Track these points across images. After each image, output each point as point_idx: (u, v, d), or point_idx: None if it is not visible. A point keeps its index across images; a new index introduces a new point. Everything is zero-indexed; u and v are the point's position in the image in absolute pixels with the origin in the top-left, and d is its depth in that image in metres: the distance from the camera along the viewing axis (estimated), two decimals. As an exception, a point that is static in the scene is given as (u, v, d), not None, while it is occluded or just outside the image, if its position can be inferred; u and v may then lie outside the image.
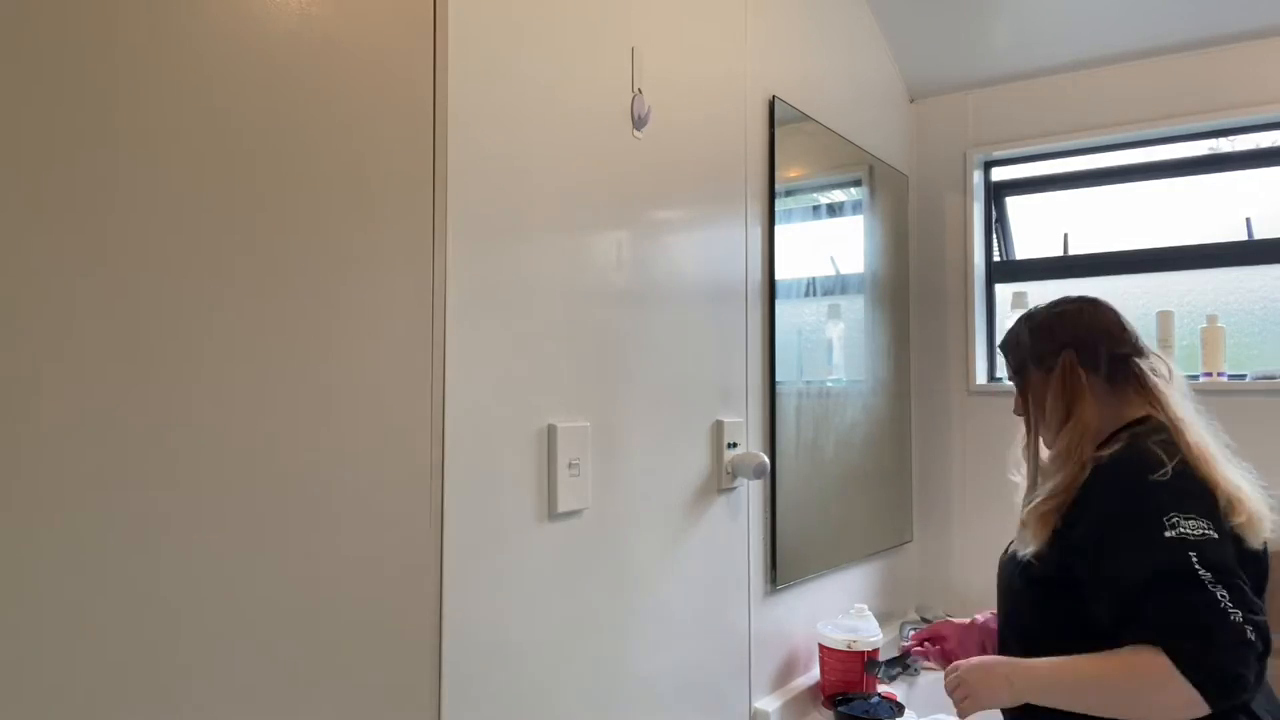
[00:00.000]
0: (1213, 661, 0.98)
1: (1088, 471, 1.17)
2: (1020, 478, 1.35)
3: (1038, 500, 1.21)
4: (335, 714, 0.86)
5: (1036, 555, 1.19)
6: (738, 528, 1.54)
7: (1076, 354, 1.23)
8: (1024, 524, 1.24)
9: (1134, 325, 1.25)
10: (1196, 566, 1.01)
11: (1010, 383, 1.35)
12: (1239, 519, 1.08)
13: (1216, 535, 1.05)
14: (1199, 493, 1.09)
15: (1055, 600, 1.18)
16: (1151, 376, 1.20)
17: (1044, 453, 1.31)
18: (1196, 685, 0.98)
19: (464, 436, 1.01)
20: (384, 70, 0.93)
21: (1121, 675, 1.04)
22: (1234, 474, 1.12)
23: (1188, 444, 1.12)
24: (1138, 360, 1.22)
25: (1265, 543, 1.12)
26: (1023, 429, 1.34)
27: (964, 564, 2.27)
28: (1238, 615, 0.99)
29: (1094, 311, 1.26)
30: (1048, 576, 1.18)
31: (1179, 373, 1.25)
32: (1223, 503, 1.08)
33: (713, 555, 1.47)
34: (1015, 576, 1.26)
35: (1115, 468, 1.14)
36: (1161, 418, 1.17)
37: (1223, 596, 1.00)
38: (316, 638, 0.85)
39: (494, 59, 1.06)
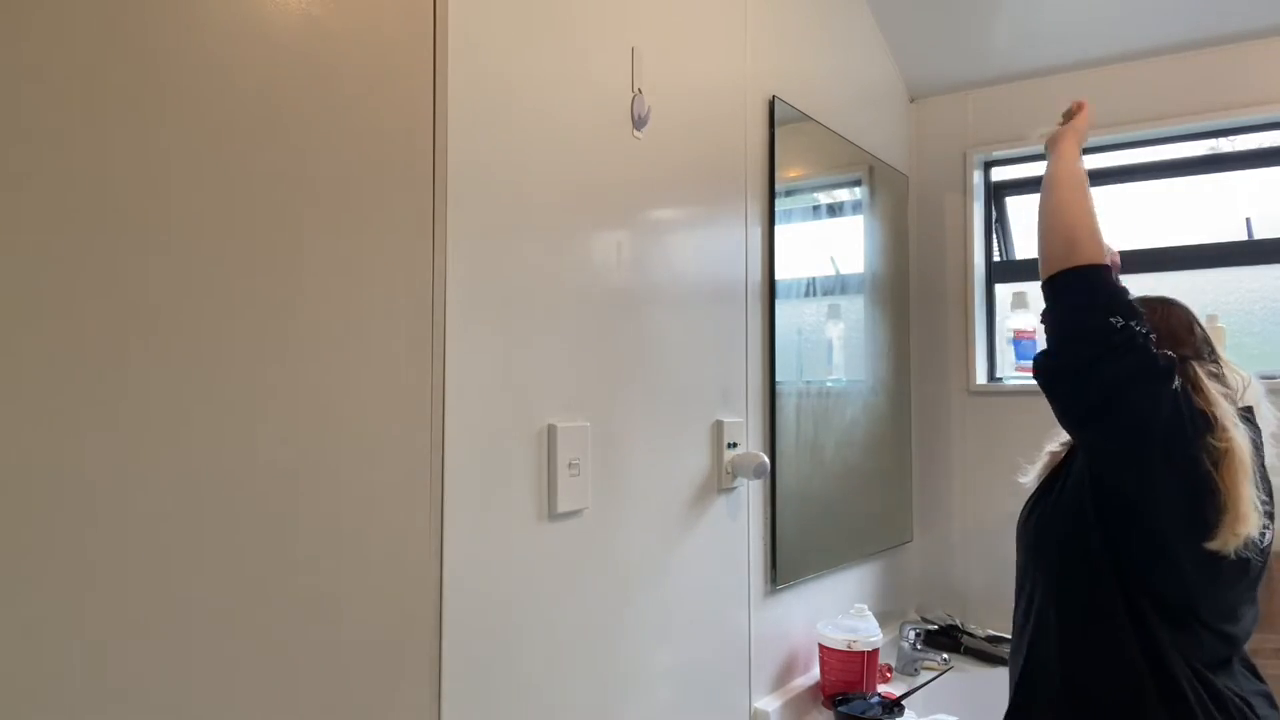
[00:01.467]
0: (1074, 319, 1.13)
1: None
2: (1031, 478, 1.34)
3: (1055, 445, 1.27)
4: (335, 714, 0.86)
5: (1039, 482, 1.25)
6: (738, 528, 1.54)
7: None
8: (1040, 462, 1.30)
9: (1205, 332, 1.24)
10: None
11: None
12: (1237, 528, 1.07)
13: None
14: (1199, 413, 1.10)
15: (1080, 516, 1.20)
16: (1206, 381, 1.16)
17: None
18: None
19: (464, 437, 1.01)
20: (384, 68, 0.93)
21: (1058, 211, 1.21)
22: (1254, 492, 1.09)
23: (1221, 440, 1.10)
24: (1195, 364, 1.18)
25: (1237, 551, 1.09)
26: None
27: (964, 564, 2.27)
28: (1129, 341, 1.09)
29: (1165, 311, 1.25)
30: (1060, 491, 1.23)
31: (1256, 390, 1.21)
32: (1231, 512, 1.07)
33: (713, 555, 1.47)
34: (1035, 518, 1.28)
35: None
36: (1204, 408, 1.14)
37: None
38: (316, 637, 0.85)
39: (494, 59, 1.06)
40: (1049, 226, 1.21)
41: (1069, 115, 1.38)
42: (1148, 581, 1.13)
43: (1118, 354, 1.10)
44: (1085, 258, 1.16)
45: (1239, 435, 1.10)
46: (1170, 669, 1.10)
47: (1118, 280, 1.17)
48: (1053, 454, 1.32)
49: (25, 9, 0.66)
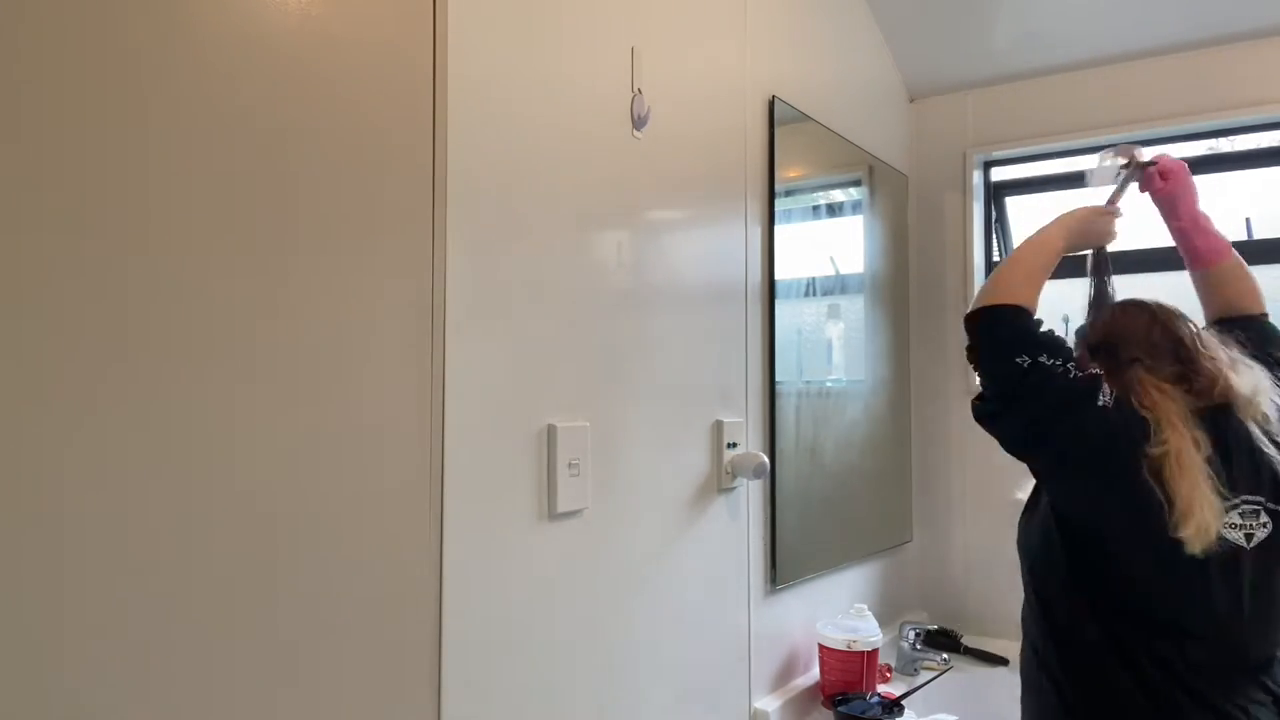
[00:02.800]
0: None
1: None
2: (1025, 492, 1.33)
3: None
4: (335, 714, 0.86)
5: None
6: (737, 528, 1.54)
7: (1088, 349, 1.25)
8: None
9: (1179, 331, 1.19)
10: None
11: None
12: (1187, 530, 1.04)
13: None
14: (1136, 421, 1.10)
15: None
16: (1148, 384, 1.13)
17: None
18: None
19: (464, 437, 1.01)
20: (383, 69, 0.93)
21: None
22: (1206, 487, 1.06)
23: (1158, 445, 1.08)
24: (1140, 367, 1.16)
25: (1207, 552, 1.06)
26: None
27: (964, 564, 2.27)
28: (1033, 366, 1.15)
29: (1123, 312, 1.26)
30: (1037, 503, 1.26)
31: (1248, 384, 1.15)
32: (1178, 513, 1.05)
33: (712, 555, 1.47)
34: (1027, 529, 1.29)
35: None
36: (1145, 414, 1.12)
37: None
38: (316, 638, 0.85)
39: (494, 59, 1.06)
40: (992, 274, 1.28)
41: (1131, 162, 1.39)
42: (1116, 599, 1.13)
43: (1035, 393, 1.15)
44: (998, 298, 1.22)
45: (1176, 436, 1.08)
46: (1145, 679, 1.09)
47: (1030, 318, 1.22)
48: None
49: (23, 13, 0.66)
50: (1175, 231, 1.39)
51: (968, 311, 1.26)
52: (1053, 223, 1.34)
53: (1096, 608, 1.14)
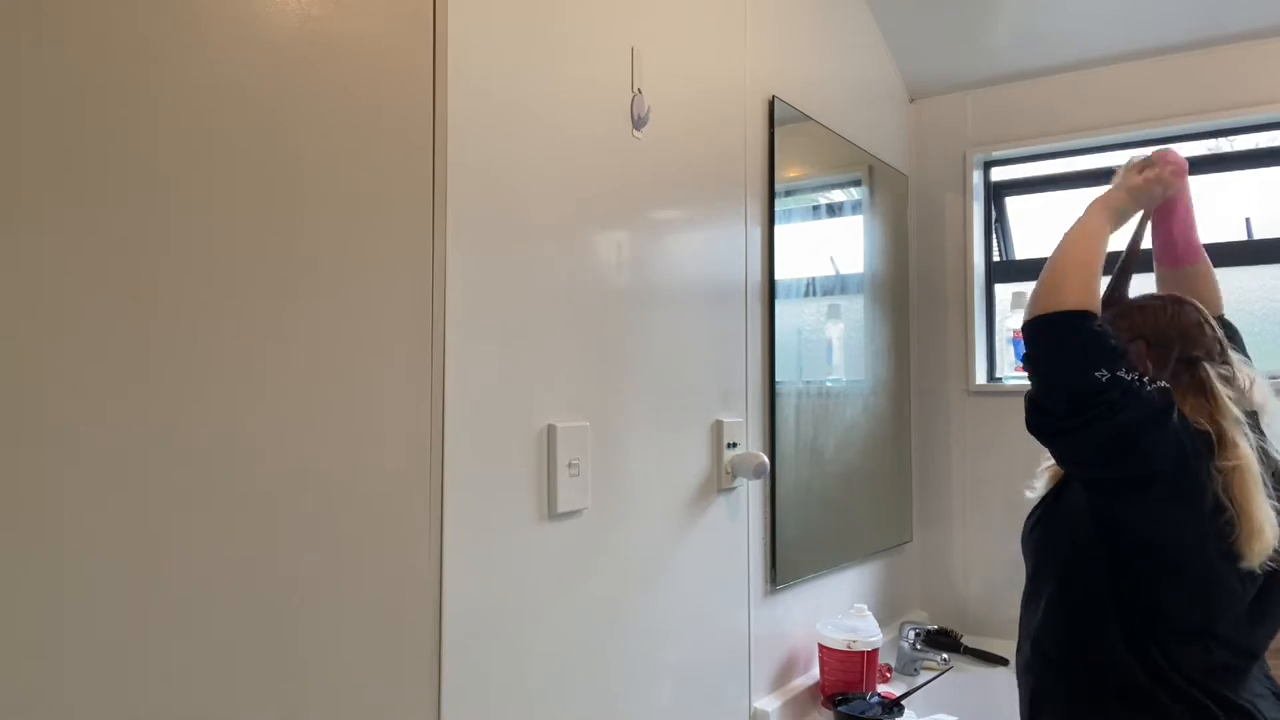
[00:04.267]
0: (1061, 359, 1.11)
1: None
2: (1035, 491, 1.32)
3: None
4: (335, 714, 0.86)
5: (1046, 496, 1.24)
6: (737, 528, 1.54)
7: (1148, 345, 1.18)
8: (1043, 472, 1.29)
9: (1218, 331, 1.19)
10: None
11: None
12: (1253, 546, 1.05)
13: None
14: (1200, 433, 1.07)
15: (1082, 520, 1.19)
16: (1218, 385, 1.13)
17: None
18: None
19: (464, 437, 1.01)
20: (383, 68, 0.93)
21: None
22: (1266, 505, 1.06)
23: (1230, 459, 1.07)
24: (1207, 365, 1.15)
25: (1263, 567, 1.07)
26: None
27: (964, 564, 2.27)
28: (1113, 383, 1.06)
29: (1177, 311, 1.20)
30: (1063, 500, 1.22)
31: (1263, 388, 1.17)
32: (1245, 529, 1.05)
33: (712, 555, 1.47)
34: (1042, 526, 1.27)
35: None
36: (1207, 425, 1.11)
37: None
38: (315, 638, 0.85)
39: (494, 59, 1.06)
40: (1051, 266, 1.18)
41: (1145, 164, 1.32)
42: (1160, 605, 1.11)
43: (1113, 410, 1.06)
44: (1067, 303, 1.12)
45: (1246, 448, 1.07)
46: (1170, 684, 1.09)
47: (1098, 323, 1.12)
48: (1053, 466, 1.30)
49: (29, 13, 0.66)
50: (1166, 228, 1.35)
51: (1026, 319, 1.16)
52: (1089, 208, 1.26)
53: (1130, 612, 1.12)
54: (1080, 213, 1.26)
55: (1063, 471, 1.25)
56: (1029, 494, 1.34)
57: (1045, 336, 1.13)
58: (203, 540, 0.76)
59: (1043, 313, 1.13)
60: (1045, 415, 1.13)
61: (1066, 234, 1.23)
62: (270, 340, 0.81)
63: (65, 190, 0.68)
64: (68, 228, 0.68)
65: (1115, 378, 1.06)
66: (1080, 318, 1.11)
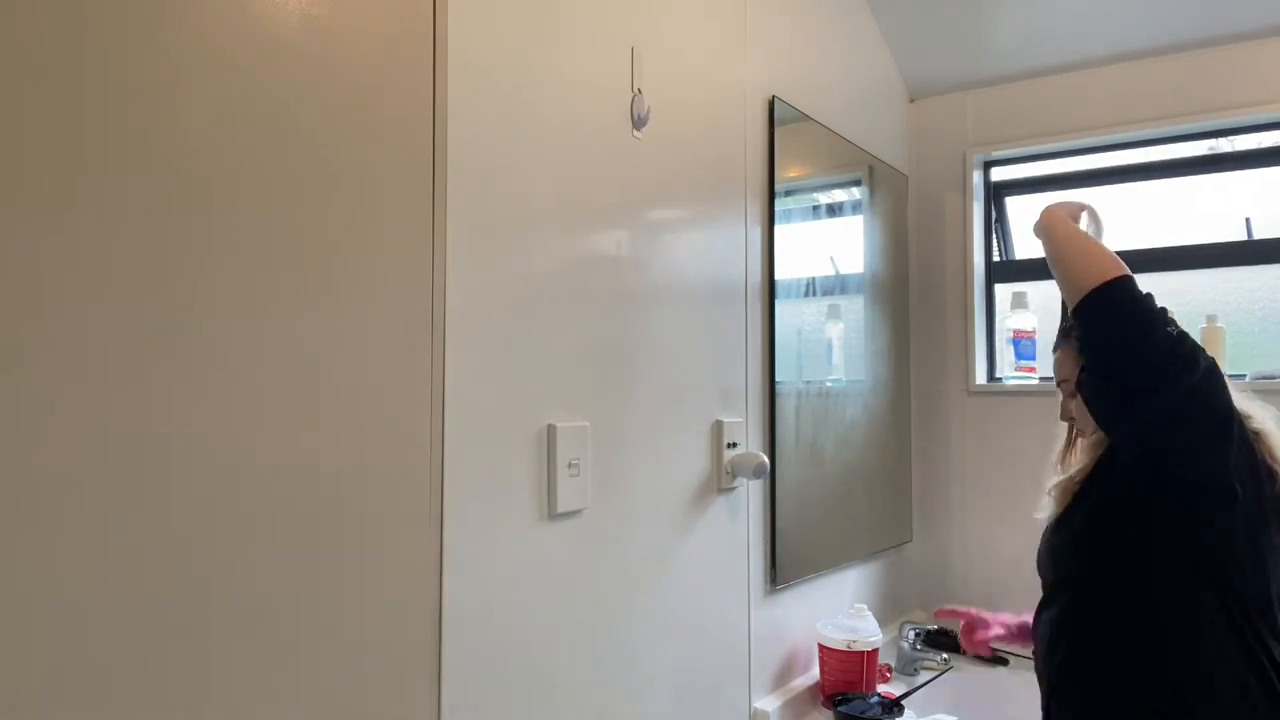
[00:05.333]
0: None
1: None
2: (1050, 500, 1.32)
3: (1063, 478, 1.29)
4: (335, 714, 0.86)
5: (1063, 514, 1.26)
6: (737, 528, 1.54)
7: None
8: (1049, 496, 1.31)
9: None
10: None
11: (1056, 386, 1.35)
12: None
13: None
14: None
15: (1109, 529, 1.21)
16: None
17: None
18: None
19: (464, 436, 1.01)
20: (383, 68, 0.93)
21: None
22: None
23: (1252, 425, 1.16)
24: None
25: None
26: (1061, 441, 1.36)
27: (964, 564, 2.27)
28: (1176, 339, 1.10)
29: None
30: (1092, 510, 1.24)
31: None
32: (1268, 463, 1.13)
33: (712, 555, 1.47)
34: (1068, 541, 1.28)
35: None
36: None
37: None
38: (315, 638, 0.85)
39: (494, 59, 1.06)
40: (1065, 259, 1.20)
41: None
42: (1233, 582, 1.12)
43: (1191, 361, 1.10)
44: (1115, 271, 1.14)
45: (1257, 412, 1.17)
46: (1264, 666, 1.11)
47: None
48: (1061, 486, 1.30)
49: (23, 10, 0.66)
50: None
51: (1084, 296, 1.14)
52: (1055, 212, 1.29)
53: (1206, 589, 1.13)
54: (1048, 222, 1.28)
55: (1072, 492, 1.26)
56: (1039, 515, 1.34)
57: (1115, 304, 1.13)
58: (202, 540, 0.76)
59: (1095, 285, 1.14)
60: (1129, 387, 1.13)
61: (1059, 236, 1.24)
62: (269, 339, 0.81)
63: (62, 189, 0.68)
64: (66, 226, 0.68)
65: (1182, 332, 1.13)
66: (1132, 281, 1.15)
